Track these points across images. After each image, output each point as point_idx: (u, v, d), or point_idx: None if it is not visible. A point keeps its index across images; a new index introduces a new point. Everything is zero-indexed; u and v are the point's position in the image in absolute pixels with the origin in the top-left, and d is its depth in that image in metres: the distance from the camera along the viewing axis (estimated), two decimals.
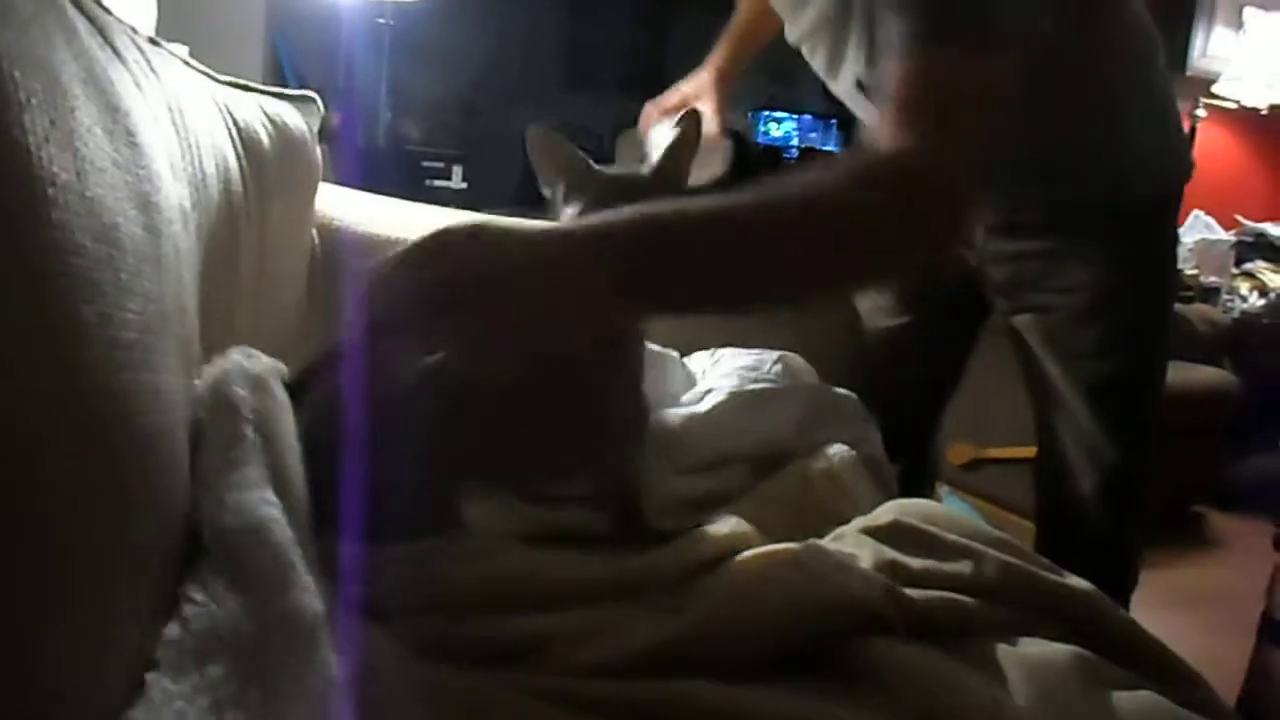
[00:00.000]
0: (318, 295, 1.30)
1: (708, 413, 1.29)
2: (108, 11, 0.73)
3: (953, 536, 1.01)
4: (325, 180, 1.39)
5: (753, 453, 1.28)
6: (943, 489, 2.54)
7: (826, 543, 1.05)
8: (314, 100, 1.38)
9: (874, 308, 1.71)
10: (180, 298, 0.72)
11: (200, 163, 0.90)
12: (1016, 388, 1.56)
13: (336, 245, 1.37)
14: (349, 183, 2.33)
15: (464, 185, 3.58)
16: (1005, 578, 0.98)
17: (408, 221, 1.47)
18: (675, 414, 1.28)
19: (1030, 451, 1.58)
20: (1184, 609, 2.52)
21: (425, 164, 3.61)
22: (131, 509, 0.55)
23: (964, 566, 0.98)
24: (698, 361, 1.47)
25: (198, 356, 0.79)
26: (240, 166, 1.04)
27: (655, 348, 1.39)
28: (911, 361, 1.70)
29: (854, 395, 1.40)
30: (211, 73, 1.13)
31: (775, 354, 1.42)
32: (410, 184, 3.22)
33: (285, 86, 1.39)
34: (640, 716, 0.72)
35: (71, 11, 0.64)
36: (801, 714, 0.78)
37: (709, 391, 1.34)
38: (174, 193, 0.77)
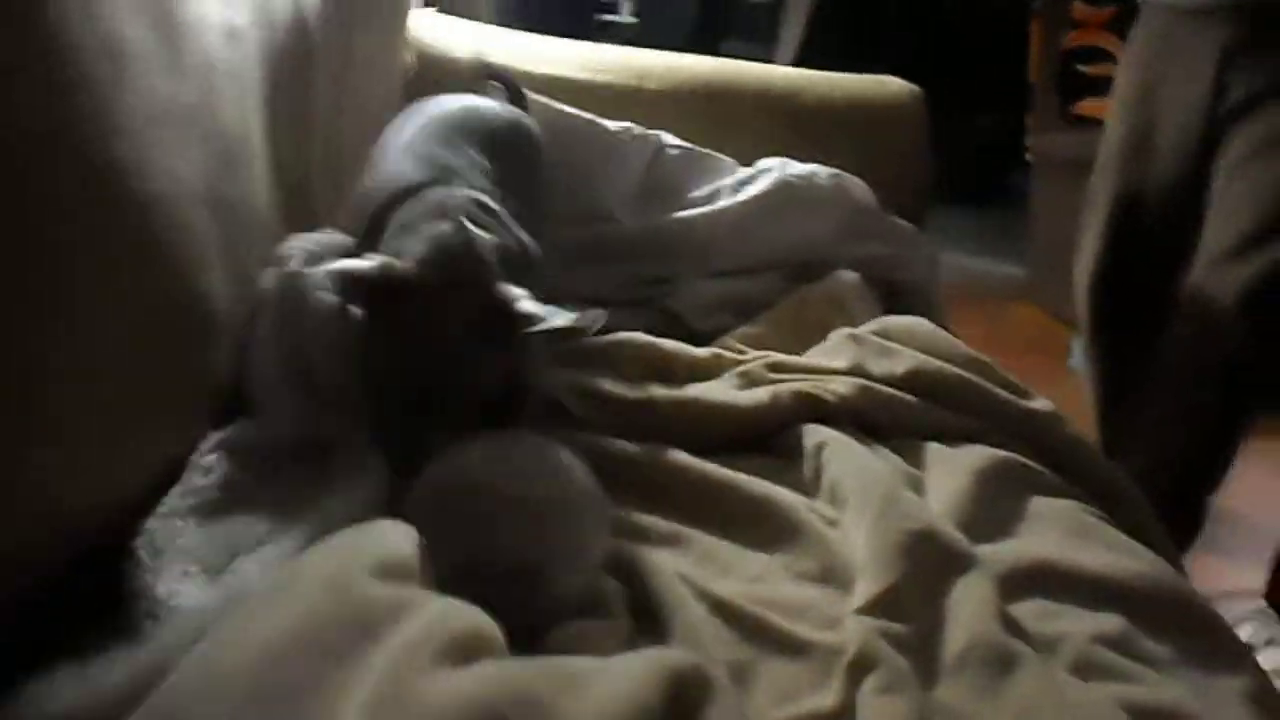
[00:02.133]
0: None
1: (739, 212, 1.36)
2: None
3: (918, 349, 1.08)
4: (486, 12, 1.47)
5: (785, 259, 1.36)
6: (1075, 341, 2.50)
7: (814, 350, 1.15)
8: None
9: None
10: (209, 101, 0.88)
11: None
12: None
13: (431, 68, 1.51)
14: (513, 13, 2.44)
15: (634, 20, 3.62)
16: (963, 389, 1.05)
17: (510, 49, 1.59)
18: (712, 211, 1.37)
19: None
20: None
21: None
22: (125, 264, 0.73)
23: (924, 374, 1.05)
24: (758, 167, 1.49)
25: (247, 153, 0.97)
26: None
27: (708, 151, 1.46)
28: None
29: (910, 224, 1.45)
30: None
31: (831, 170, 1.45)
32: (578, 17, 3.28)
33: None
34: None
35: None
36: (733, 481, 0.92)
37: (747, 185, 1.41)
38: (216, 13, 0.93)
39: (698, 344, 1.22)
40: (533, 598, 0.68)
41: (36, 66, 0.66)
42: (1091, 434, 1.62)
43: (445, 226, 0.83)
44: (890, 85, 1.63)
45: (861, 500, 0.86)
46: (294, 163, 1.11)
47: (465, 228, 0.83)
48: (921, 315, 1.29)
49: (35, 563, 0.65)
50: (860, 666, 0.69)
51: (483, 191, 0.94)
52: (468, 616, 0.57)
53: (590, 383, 1.01)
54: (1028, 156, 3.08)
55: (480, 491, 0.69)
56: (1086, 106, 2.84)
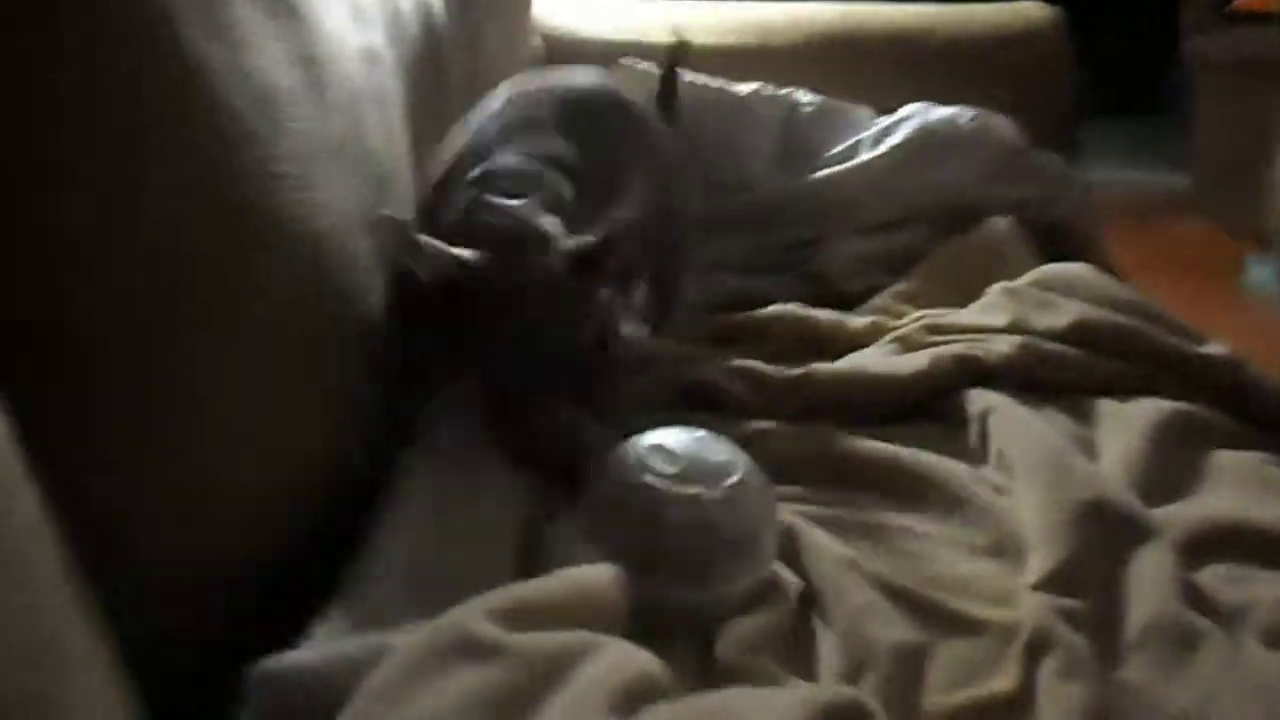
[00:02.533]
0: None
1: (881, 163, 1.34)
2: None
3: (1081, 299, 1.05)
4: None
5: (932, 209, 1.33)
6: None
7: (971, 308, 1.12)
8: None
9: None
10: (357, 128, 0.92)
11: (395, 3, 1.09)
12: None
13: (558, 50, 1.53)
14: None
15: None
16: (1130, 339, 1.01)
17: (632, 22, 1.59)
18: (852, 167, 1.36)
19: None
20: None
21: None
22: (300, 302, 0.78)
23: (1088, 326, 1.02)
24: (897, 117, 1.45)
25: (395, 170, 1.00)
26: None
27: (843, 103, 1.44)
28: None
29: (1056, 156, 1.39)
30: None
31: (973, 110, 1.41)
32: None
33: None
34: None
35: None
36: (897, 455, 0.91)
37: (888, 135, 1.38)
38: (354, 40, 0.96)
39: (849, 305, 1.22)
40: (703, 595, 0.70)
41: (203, 135, 0.70)
42: (1275, 364, 1.53)
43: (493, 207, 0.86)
44: (1027, 12, 1.56)
45: (1030, 469, 0.85)
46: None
47: (513, 211, 0.85)
48: (1079, 258, 1.25)
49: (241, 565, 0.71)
50: (1038, 646, 0.68)
51: (543, 164, 0.94)
52: (637, 662, 0.59)
53: (746, 364, 1.01)
54: (1182, 60, 2.88)
55: (647, 491, 0.71)
56: (1247, 1, 2.64)
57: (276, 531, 0.75)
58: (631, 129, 1.11)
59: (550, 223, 0.87)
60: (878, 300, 1.22)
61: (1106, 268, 1.22)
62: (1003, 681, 0.67)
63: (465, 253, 0.85)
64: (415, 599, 0.66)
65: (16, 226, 0.60)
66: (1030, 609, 0.71)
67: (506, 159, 0.94)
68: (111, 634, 0.53)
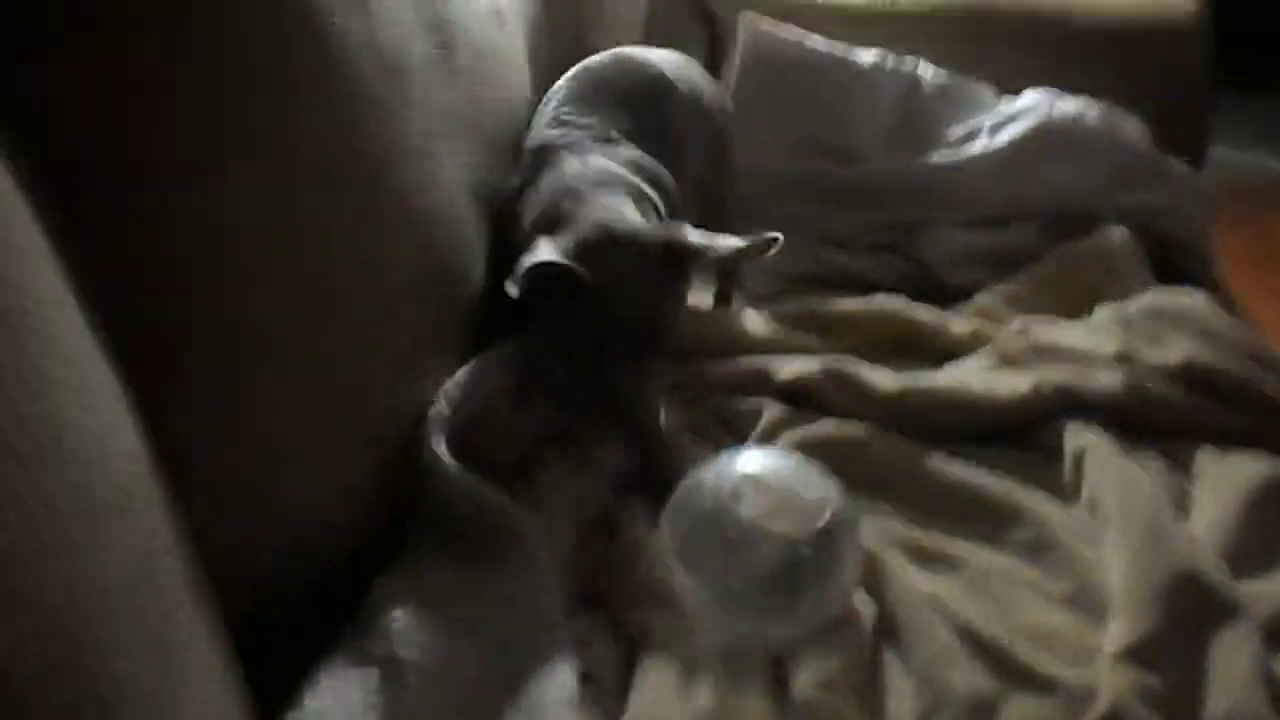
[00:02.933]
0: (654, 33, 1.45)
1: (997, 155, 1.29)
2: None
3: (1194, 335, 1.01)
4: None
5: (1041, 208, 1.28)
6: None
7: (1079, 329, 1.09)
8: None
9: None
10: (477, 94, 0.91)
11: None
12: None
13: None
14: None
15: None
16: (1240, 387, 0.98)
17: None
18: (968, 156, 1.31)
19: None
20: None
21: None
22: (408, 276, 0.78)
23: (1198, 367, 0.99)
24: (1017, 101, 1.38)
25: (510, 135, 0.99)
26: None
27: (968, 82, 1.39)
28: None
29: (1183, 164, 1.33)
30: None
31: (1100, 106, 1.33)
32: None
33: None
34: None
35: None
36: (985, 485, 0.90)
37: (1009, 124, 1.33)
38: (482, 2, 0.95)
39: (948, 297, 1.19)
40: (785, 631, 0.71)
41: (322, 92, 0.70)
42: None
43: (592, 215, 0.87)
44: (1170, 4, 1.47)
45: (1124, 522, 0.83)
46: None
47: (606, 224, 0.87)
48: (1196, 281, 1.20)
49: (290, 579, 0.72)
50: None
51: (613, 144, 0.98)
52: None
53: (844, 367, 1.00)
54: None
55: (739, 526, 0.71)
56: None
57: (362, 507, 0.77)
58: (672, 108, 1.12)
59: (635, 217, 0.89)
60: (980, 298, 1.19)
61: (1223, 296, 1.17)
62: None
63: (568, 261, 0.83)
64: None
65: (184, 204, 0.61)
66: (1109, 681, 0.71)
67: (589, 156, 0.96)
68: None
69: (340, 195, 0.71)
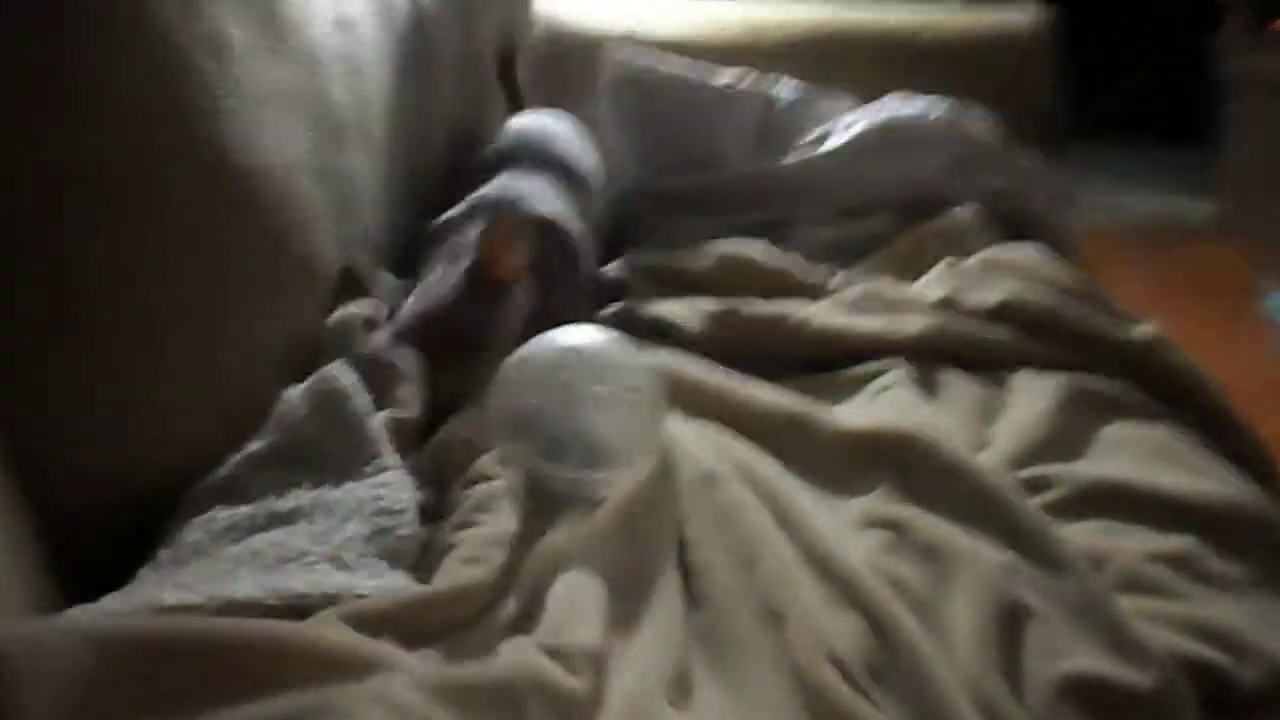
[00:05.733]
0: (538, 88, 1.54)
1: (845, 150, 1.38)
2: None
3: (1019, 278, 1.07)
4: None
5: (897, 197, 1.36)
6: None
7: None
8: None
9: None
10: (316, 85, 0.99)
11: None
12: None
13: (558, 42, 1.59)
14: None
15: None
16: (1054, 318, 1.03)
17: (633, 15, 1.64)
18: (821, 153, 1.40)
19: None
20: None
21: None
22: (229, 222, 0.84)
23: (1016, 305, 1.05)
24: (870, 108, 1.48)
25: (360, 132, 1.08)
26: None
27: (824, 93, 1.49)
28: None
29: (1032, 151, 1.42)
30: None
31: (947, 103, 1.44)
32: None
33: None
34: None
35: None
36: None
37: (856, 123, 1.42)
38: (326, 7, 1.04)
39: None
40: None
41: (141, 59, 0.78)
42: None
43: None
44: (1012, 17, 1.60)
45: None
46: (418, 145, 1.23)
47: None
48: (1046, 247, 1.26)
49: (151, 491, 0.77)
50: None
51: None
52: None
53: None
54: (1216, 83, 2.85)
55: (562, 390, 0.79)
56: None
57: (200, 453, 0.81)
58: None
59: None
60: (835, 281, 1.25)
61: (1065, 253, 1.24)
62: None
63: None
64: None
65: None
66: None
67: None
68: None
69: (160, 141, 0.79)
